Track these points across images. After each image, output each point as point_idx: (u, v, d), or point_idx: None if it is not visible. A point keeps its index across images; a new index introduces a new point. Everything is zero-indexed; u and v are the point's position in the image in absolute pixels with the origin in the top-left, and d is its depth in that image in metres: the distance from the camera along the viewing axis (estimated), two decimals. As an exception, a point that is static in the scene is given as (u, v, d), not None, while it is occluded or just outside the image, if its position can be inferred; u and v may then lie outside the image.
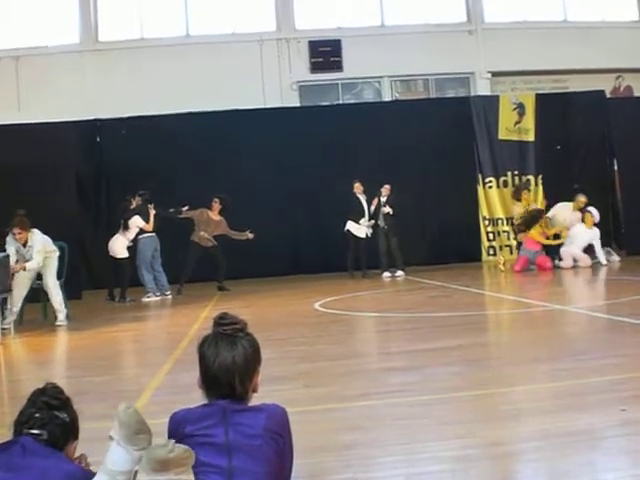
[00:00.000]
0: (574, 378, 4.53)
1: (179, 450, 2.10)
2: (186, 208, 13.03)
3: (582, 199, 13.57)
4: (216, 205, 13.11)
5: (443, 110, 16.29)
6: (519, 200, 14.13)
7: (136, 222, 12.34)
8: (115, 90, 16.98)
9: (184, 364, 5.50)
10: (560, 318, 7.77)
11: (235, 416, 2.24)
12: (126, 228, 12.34)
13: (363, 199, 13.87)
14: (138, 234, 12.40)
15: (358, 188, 13.84)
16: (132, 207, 12.49)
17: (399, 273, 13.75)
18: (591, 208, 13.50)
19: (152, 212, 12.49)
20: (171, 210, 12.95)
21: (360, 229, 13.86)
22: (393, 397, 4.39)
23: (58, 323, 9.27)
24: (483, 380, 4.75)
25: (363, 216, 13.83)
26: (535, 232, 13.36)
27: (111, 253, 12.40)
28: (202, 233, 12.96)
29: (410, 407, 4.14)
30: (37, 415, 2.21)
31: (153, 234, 12.50)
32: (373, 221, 13.84)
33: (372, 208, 13.77)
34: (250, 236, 13.17)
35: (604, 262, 13.05)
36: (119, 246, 12.36)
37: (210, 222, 13.06)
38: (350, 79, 18.69)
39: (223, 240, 13.22)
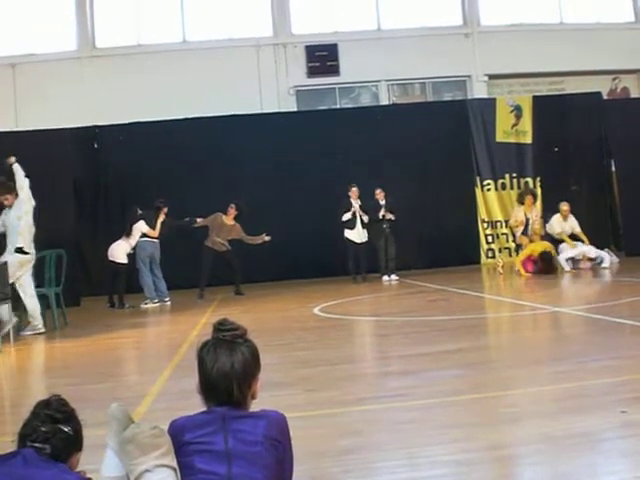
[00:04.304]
0: (574, 380, 4.53)
1: (145, 426, 2.16)
2: (200, 220, 13.05)
3: (565, 207, 13.61)
4: (232, 210, 13.15)
5: (440, 113, 16.34)
6: (522, 204, 14.04)
7: (139, 227, 12.38)
8: (112, 96, 16.99)
9: (184, 370, 5.50)
10: (560, 320, 7.76)
11: (234, 423, 2.24)
12: (129, 234, 12.36)
13: (356, 205, 13.88)
14: (139, 237, 12.42)
15: (354, 193, 13.86)
16: (139, 213, 12.51)
17: (394, 277, 13.81)
18: (562, 203, 13.62)
19: (160, 219, 12.50)
20: (186, 219, 13.00)
21: (355, 234, 13.89)
22: (393, 401, 4.38)
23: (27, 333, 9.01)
24: (483, 383, 4.74)
25: (354, 226, 13.84)
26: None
27: (110, 258, 12.39)
28: (216, 238, 12.97)
29: (410, 411, 4.13)
30: (41, 428, 2.21)
31: (155, 240, 12.50)
32: (366, 217, 13.87)
33: (381, 214, 13.82)
34: (266, 239, 13.19)
35: (607, 262, 13.08)
36: (120, 251, 12.37)
37: (223, 226, 13.08)
38: (347, 83, 18.72)
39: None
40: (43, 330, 9.08)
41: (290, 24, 18.71)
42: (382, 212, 13.86)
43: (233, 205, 13.16)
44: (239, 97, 17.01)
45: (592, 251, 13.13)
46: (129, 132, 15.32)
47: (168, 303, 12.51)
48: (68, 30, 18.04)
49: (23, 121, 16.23)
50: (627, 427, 3.45)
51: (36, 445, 2.18)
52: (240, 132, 15.41)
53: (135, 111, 15.87)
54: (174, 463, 2.14)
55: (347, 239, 13.94)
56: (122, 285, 12.39)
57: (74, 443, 2.27)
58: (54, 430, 2.21)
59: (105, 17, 18.22)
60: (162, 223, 12.59)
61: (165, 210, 12.66)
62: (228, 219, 13.16)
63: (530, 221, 13.58)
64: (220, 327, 2.37)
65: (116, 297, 12.43)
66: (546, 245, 13.10)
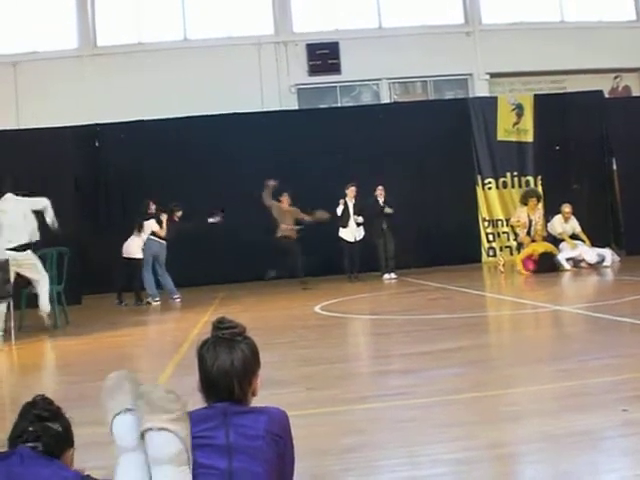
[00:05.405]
0: (575, 379, 4.53)
1: (161, 388, 2.19)
2: (212, 220, 12.99)
3: (567, 209, 13.56)
4: (285, 199, 13.44)
5: (442, 112, 16.32)
6: (525, 204, 13.96)
7: (150, 225, 12.40)
8: (113, 94, 16.98)
9: (185, 368, 5.49)
10: (560, 319, 7.77)
11: (236, 418, 2.24)
12: (141, 228, 12.37)
13: (351, 205, 13.85)
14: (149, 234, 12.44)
15: (351, 192, 13.82)
16: (150, 211, 12.49)
17: (393, 276, 13.82)
18: (564, 205, 13.56)
19: (171, 221, 12.46)
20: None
21: (348, 232, 13.86)
22: (394, 400, 4.38)
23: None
24: (484, 381, 4.74)
25: (347, 224, 13.82)
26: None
27: (126, 255, 12.42)
28: (285, 225, 13.28)
29: (411, 409, 4.13)
30: (30, 428, 2.22)
31: (162, 241, 12.45)
32: (361, 218, 13.84)
33: (379, 207, 13.83)
34: (325, 216, 13.30)
35: (609, 261, 13.03)
36: (135, 247, 12.42)
37: (285, 212, 13.35)
38: (348, 82, 18.70)
39: (222, 241, 13.18)
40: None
41: (291, 22, 18.69)
42: (381, 202, 13.84)
43: (285, 194, 13.41)
44: (240, 95, 16.99)
45: (592, 256, 13.07)
46: (130, 130, 15.31)
47: (177, 301, 12.39)
48: (69, 28, 18.02)
49: (24, 119, 16.22)
50: (628, 425, 3.45)
51: (28, 444, 2.19)
52: (241, 130, 15.40)
53: (136, 109, 15.85)
54: (183, 434, 2.12)
55: (340, 238, 13.91)
56: (138, 281, 12.37)
57: (65, 439, 2.29)
58: (43, 428, 2.22)
59: (106, 15, 18.20)
60: (175, 227, 12.49)
61: (179, 214, 12.62)
62: (284, 206, 13.43)
63: (533, 222, 13.55)
64: (219, 325, 2.38)
65: (123, 294, 12.43)
66: (547, 246, 13.11)
